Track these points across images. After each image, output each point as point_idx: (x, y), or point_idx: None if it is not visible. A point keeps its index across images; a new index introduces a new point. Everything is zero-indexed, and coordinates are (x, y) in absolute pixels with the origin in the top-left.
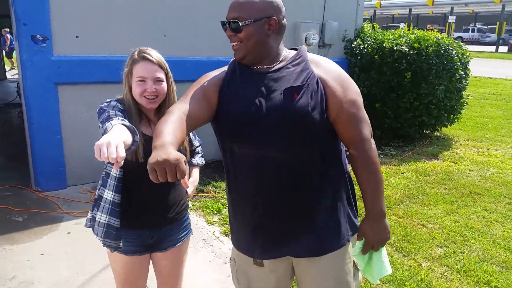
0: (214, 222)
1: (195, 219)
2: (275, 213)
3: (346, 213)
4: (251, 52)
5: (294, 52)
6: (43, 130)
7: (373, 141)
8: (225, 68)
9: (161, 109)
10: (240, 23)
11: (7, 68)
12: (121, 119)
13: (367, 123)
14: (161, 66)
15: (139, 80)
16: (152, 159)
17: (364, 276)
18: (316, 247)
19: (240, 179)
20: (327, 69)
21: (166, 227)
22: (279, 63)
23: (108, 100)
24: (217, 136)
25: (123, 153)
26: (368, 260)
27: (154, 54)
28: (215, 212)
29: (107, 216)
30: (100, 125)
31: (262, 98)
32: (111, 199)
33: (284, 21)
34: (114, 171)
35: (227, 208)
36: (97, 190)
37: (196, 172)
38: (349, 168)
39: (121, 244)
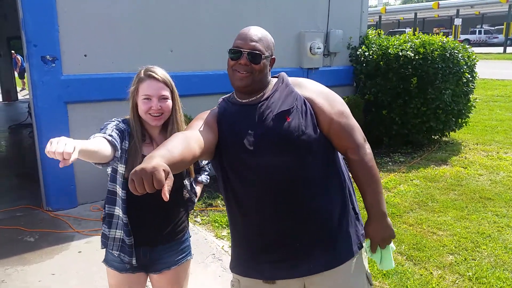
0: (223, 236)
1: (204, 233)
2: (283, 232)
3: (354, 221)
4: (256, 83)
5: (275, 79)
6: None
7: (367, 145)
8: (216, 108)
9: (166, 127)
10: (262, 56)
11: (18, 89)
12: (109, 134)
13: (358, 129)
14: (166, 84)
15: (144, 98)
16: (132, 170)
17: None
18: (329, 260)
19: (244, 207)
20: (310, 88)
21: (159, 246)
22: (263, 94)
23: (113, 119)
24: (217, 172)
25: (69, 150)
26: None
27: (160, 72)
28: (224, 226)
29: (122, 232)
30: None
31: (256, 127)
32: (121, 218)
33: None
34: (121, 193)
35: None
36: (103, 209)
37: (197, 189)
38: (350, 175)
39: (134, 261)
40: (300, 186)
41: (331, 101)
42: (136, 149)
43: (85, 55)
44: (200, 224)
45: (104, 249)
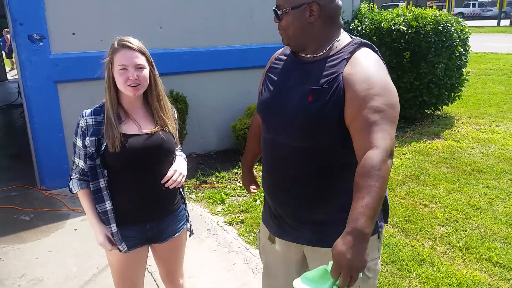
0: (218, 212)
1: (199, 210)
2: (286, 197)
3: None
4: (293, 40)
5: (347, 42)
6: (46, 129)
7: (390, 160)
8: (281, 50)
9: (147, 100)
10: (279, 12)
11: (7, 68)
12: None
13: (390, 138)
14: (141, 52)
15: (121, 69)
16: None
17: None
18: (314, 239)
19: (264, 160)
20: (360, 71)
21: (165, 218)
22: (323, 54)
23: (82, 113)
24: None
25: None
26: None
27: (134, 41)
28: (218, 202)
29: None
30: (73, 158)
31: (288, 89)
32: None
33: (335, 4)
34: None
35: (230, 198)
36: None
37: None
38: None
39: (121, 248)
40: (309, 161)
41: (373, 94)
42: (112, 127)
43: (73, 34)
44: (194, 200)
45: None
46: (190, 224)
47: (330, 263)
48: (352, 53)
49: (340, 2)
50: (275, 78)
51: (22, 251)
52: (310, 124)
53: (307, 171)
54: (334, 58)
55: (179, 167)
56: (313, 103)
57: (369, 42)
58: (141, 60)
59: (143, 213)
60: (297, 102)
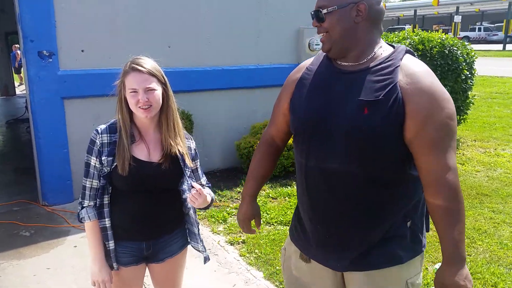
0: (220, 232)
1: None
2: (327, 223)
3: (407, 235)
4: (337, 43)
5: (391, 50)
6: (50, 144)
7: (456, 173)
8: (311, 59)
9: (160, 123)
10: (322, 11)
11: (16, 84)
12: (92, 202)
13: (455, 154)
14: (152, 75)
15: (131, 92)
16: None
17: None
18: (359, 262)
19: (304, 188)
20: (417, 80)
21: (162, 238)
22: (366, 61)
23: (97, 129)
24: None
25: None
26: None
27: (145, 64)
28: (220, 221)
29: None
30: (84, 180)
31: (333, 103)
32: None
33: (380, 6)
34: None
35: (232, 217)
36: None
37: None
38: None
39: (115, 266)
40: (359, 187)
41: (435, 106)
42: (124, 149)
43: (82, 51)
44: None
45: None
46: (204, 250)
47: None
48: (399, 61)
49: (384, 8)
50: (312, 91)
51: (21, 268)
52: (369, 140)
53: (363, 196)
54: (384, 66)
55: (207, 193)
56: (370, 116)
57: (410, 49)
58: (151, 83)
59: (139, 232)
60: (351, 116)
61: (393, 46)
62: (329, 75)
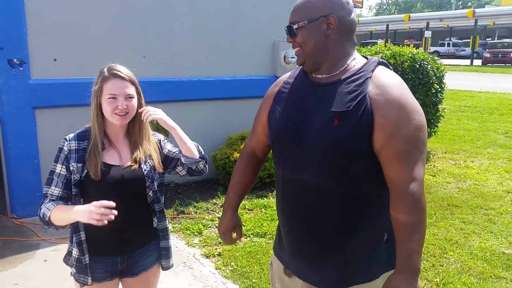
0: (195, 244)
1: (175, 241)
2: (301, 235)
3: (383, 248)
4: (310, 56)
5: (364, 61)
6: (20, 155)
7: (421, 184)
8: (289, 73)
9: (130, 130)
10: (293, 27)
11: None
12: (53, 202)
13: (423, 166)
14: (132, 83)
15: (110, 98)
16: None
17: None
18: (336, 280)
19: (282, 199)
20: (387, 92)
21: (137, 251)
22: (339, 73)
23: (66, 137)
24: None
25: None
26: None
27: (124, 71)
28: (195, 233)
29: (77, 251)
30: (46, 188)
31: (306, 115)
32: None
33: (351, 18)
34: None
35: (208, 229)
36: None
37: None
38: None
39: (89, 281)
40: (333, 197)
41: (403, 118)
42: (96, 155)
43: (54, 59)
44: (171, 231)
45: None
46: (170, 259)
47: None
48: (370, 73)
49: (356, 19)
50: (288, 104)
51: None
52: (339, 151)
53: (338, 209)
54: (356, 78)
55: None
56: (340, 127)
57: (385, 61)
58: (131, 90)
59: (114, 245)
60: (322, 128)
61: (367, 58)
62: (304, 88)
